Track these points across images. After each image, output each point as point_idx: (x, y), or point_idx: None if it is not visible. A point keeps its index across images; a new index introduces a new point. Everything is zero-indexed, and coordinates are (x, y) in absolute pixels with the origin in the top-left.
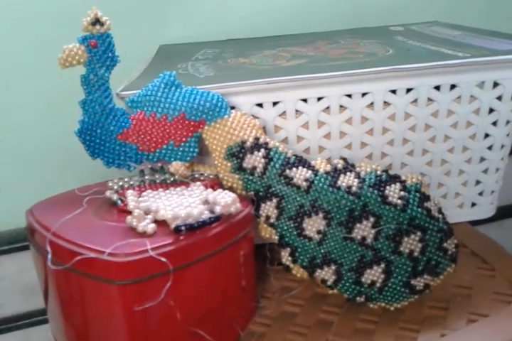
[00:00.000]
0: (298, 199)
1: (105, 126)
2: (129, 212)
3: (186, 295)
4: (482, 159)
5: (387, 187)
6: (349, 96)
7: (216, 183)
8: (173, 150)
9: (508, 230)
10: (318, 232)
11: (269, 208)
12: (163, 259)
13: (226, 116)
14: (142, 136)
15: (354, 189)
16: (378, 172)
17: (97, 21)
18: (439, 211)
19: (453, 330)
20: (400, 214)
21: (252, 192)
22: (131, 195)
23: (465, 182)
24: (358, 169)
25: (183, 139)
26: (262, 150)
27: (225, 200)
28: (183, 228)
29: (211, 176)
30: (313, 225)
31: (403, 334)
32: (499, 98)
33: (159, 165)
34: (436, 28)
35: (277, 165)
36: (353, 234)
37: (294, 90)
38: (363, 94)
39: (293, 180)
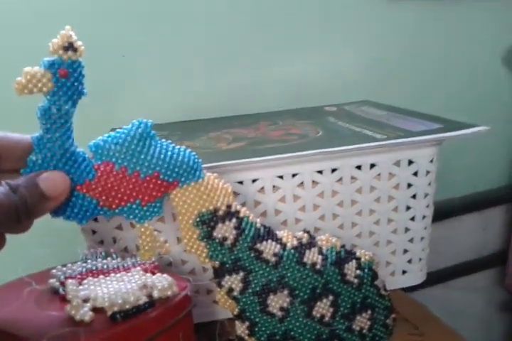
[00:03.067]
0: (265, 274)
1: (63, 172)
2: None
3: None
4: (407, 229)
5: (346, 265)
6: (281, 177)
7: (157, 267)
8: (137, 209)
9: (453, 289)
10: (281, 309)
11: (234, 281)
12: None
13: (200, 180)
14: (107, 191)
15: (318, 266)
16: (337, 248)
17: (69, 46)
18: (384, 288)
19: None
20: (355, 293)
21: (217, 262)
22: (70, 285)
23: (393, 251)
24: (319, 243)
25: (151, 199)
26: (234, 219)
27: (162, 284)
28: (117, 316)
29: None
30: (277, 302)
31: None
32: (415, 174)
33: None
34: (366, 108)
35: (248, 238)
36: (313, 312)
37: (231, 173)
38: (293, 175)
39: (262, 255)
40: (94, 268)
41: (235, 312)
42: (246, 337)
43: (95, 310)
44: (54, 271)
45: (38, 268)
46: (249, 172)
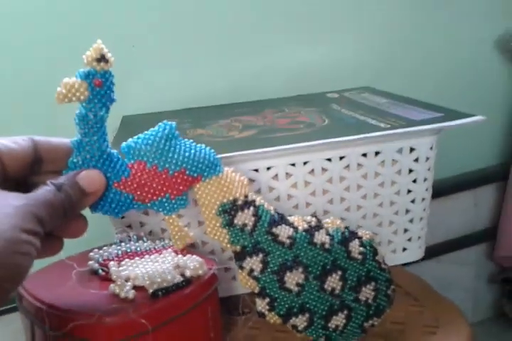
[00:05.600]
0: (282, 255)
1: (101, 171)
2: (111, 280)
3: None
4: (407, 211)
5: (350, 244)
6: (293, 165)
7: (185, 249)
8: (166, 202)
9: (444, 263)
10: (297, 285)
11: (254, 262)
12: (143, 321)
13: (220, 174)
14: (141, 187)
15: (327, 246)
16: (342, 229)
17: (102, 57)
18: (384, 263)
19: None
20: (359, 268)
21: (238, 247)
22: (113, 266)
23: (395, 230)
24: (326, 225)
25: (179, 193)
26: (251, 208)
27: (194, 264)
28: (159, 293)
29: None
30: (294, 278)
31: None
32: (416, 160)
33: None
34: (367, 95)
35: (265, 224)
36: (325, 286)
37: (246, 162)
38: (305, 163)
39: (278, 238)
40: (128, 250)
41: (256, 291)
42: (266, 312)
43: (135, 288)
44: (92, 253)
45: (73, 250)
46: (264, 160)
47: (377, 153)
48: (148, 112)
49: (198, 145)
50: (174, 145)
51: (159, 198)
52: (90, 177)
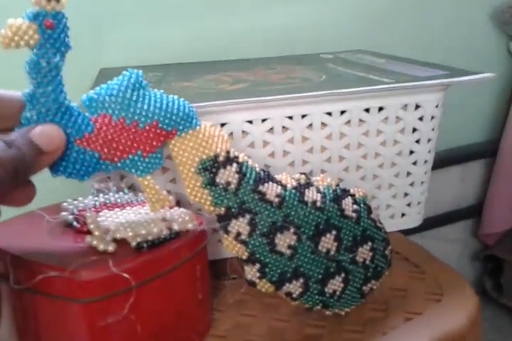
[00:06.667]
0: (271, 215)
1: (60, 127)
2: (86, 233)
3: (147, 310)
4: (408, 173)
5: (343, 201)
6: (290, 118)
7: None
8: (139, 160)
9: (428, 239)
10: (289, 247)
11: (240, 224)
12: (126, 275)
13: (198, 127)
14: (108, 143)
15: (319, 204)
16: (333, 187)
17: None
18: (380, 221)
19: (392, 329)
20: (354, 226)
21: (223, 208)
22: (90, 217)
23: (394, 194)
24: (316, 183)
25: (153, 149)
26: (234, 164)
27: (182, 217)
28: (144, 245)
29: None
30: (285, 240)
31: (349, 336)
32: (421, 119)
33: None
34: (362, 55)
35: (251, 181)
36: (319, 248)
37: (240, 112)
38: (303, 116)
39: (266, 196)
40: (107, 201)
41: (244, 257)
42: (257, 281)
43: (115, 241)
44: (65, 204)
45: (46, 202)
46: (260, 111)
47: (380, 109)
48: (128, 65)
49: (172, 96)
50: (143, 95)
51: (130, 156)
52: (47, 133)
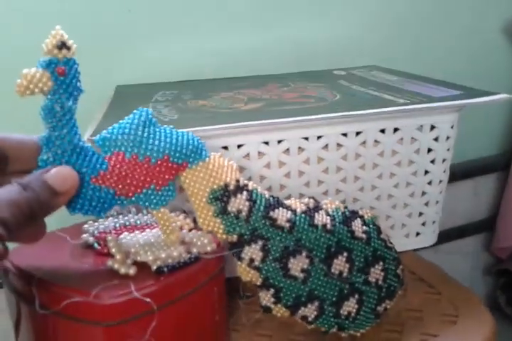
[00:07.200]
0: (282, 240)
1: (75, 167)
2: (107, 255)
3: (167, 333)
4: (423, 193)
5: (352, 223)
6: (306, 138)
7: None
8: (152, 194)
9: (441, 253)
10: (303, 271)
11: (253, 251)
12: (148, 300)
13: (207, 159)
14: (122, 179)
15: (329, 227)
16: (342, 209)
17: (62, 44)
18: (390, 241)
19: None
20: (365, 247)
21: (235, 236)
22: (111, 240)
23: (409, 214)
24: (324, 206)
25: (165, 183)
26: (245, 192)
27: (202, 241)
28: (165, 269)
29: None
30: (298, 264)
31: None
32: (436, 139)
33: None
34: (376, 72)
35: (261, 208)
36: (332, 270)
37: (256, 134)
38: (319, 137)
39: (277, 222)
40: (127, 223)
41: (259, 282)
42: (272, 306)
43: (135, 264)
44: (86, 225)
45: (67, 222)
46: (275, 132)
47: (395, 130)
48: (143, 83)
49: (180, 130)
50: (153, 132)
51: (144, 190)
52: (60, 175)
